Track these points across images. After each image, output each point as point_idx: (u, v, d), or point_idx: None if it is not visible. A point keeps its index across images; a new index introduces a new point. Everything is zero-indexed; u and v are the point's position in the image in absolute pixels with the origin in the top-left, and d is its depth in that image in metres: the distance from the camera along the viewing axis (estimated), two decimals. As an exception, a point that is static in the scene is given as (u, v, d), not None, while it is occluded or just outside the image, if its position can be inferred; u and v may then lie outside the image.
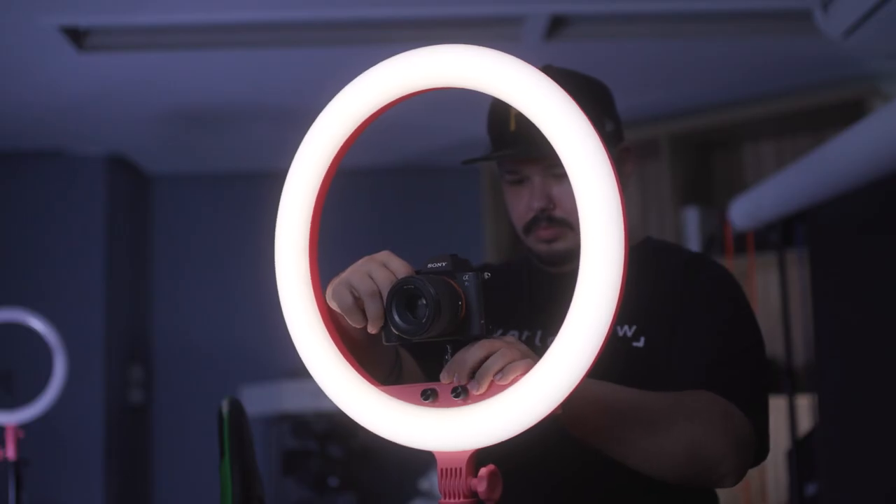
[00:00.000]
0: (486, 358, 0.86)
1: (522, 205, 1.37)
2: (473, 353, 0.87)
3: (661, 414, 1.15)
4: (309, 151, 0.87)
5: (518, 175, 1.36)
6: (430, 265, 0.90)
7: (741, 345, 1.29)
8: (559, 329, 1.33)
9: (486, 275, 0.89)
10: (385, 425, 0.83)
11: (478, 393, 0.84)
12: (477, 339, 0.88)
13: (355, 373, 0.86)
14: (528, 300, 1.43)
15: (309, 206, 0.88)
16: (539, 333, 1.37)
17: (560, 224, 1.35)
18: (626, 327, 1.32)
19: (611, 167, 0.75)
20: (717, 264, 1.39)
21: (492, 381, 0.85)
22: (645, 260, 1.37)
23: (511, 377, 0.84)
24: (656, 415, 1.14)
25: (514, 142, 1.33)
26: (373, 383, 0.86)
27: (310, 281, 0.88)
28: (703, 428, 1.16)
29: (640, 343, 1.31)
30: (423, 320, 0.84)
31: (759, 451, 1.25)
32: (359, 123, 0.85)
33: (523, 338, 1.37)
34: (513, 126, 1.33)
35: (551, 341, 1.32)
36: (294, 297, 0.88)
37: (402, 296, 0.86)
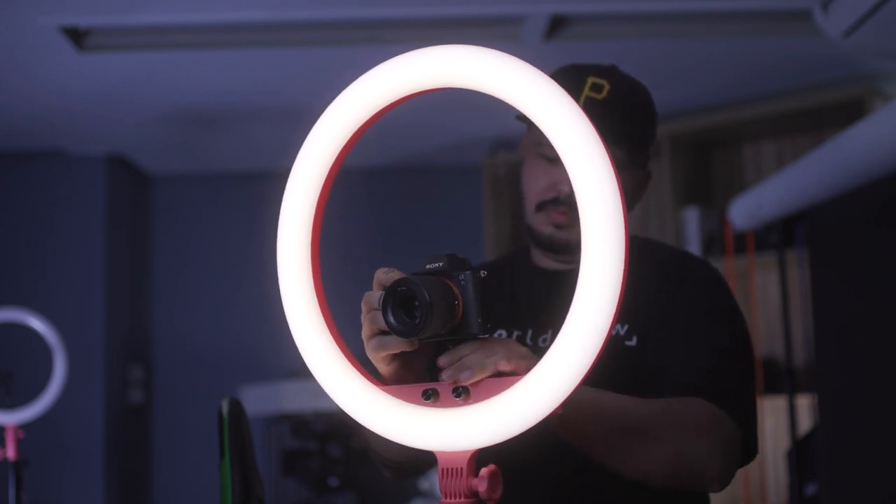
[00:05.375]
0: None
1: (547, 181, 1.33)
2: (462, 351, 0.89)
3: (651, 422, 1.16)
4: (311, 152, 0.87)
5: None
6: (428, 265, 0.90)
7: (730, 345, 1.30)
8: (548, 327, 1.33)
9: (483, 273, 0.89)
10: (386, 425, 0.83)
11: (467, 384, 0.85)
12: (475, 337, 0.88)
13: (357, 373, 0.86)
14: (513, 298, 1.42)
15: (311, 206, 0.88)
16: (529, 332, 1.37)
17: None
18: (618, 326, 1.32)
19: (614, 175, 0.75)
20: (706, 263, 1.39)
21: (489, 380, 0.85)
22: (633, 258, 1.36)
23: (476, 377, 0.85)
24: (645, 422, 1.15)
25: None
26: (374, 383, 0.86)
27: (312, 280, 0.88)
28: (691, 436, 1.17)
29: (633, 342, 1.31)
30: (417, 321, 0.84)
31: (747, 452, 1.25)
32: (361, 123, 0.85)
33: (513, 337, 1.37)
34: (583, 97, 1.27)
35: (542, 339, 1.33)
36: (296, 296, 0.88)
37: (396, 297, 0.86)
